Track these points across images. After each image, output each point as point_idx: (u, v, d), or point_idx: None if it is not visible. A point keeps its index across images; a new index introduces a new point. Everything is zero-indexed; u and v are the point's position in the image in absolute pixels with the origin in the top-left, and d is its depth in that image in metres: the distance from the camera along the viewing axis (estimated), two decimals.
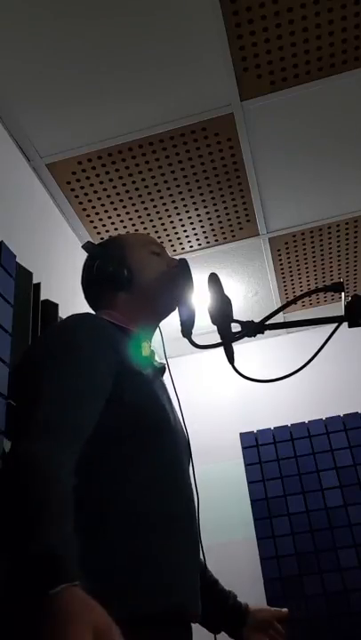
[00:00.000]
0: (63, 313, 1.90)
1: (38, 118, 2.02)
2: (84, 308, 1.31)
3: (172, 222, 2.54)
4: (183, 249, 2.71)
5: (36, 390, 0.90)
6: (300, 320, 1.09)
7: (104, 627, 0.63)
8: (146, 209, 2.44)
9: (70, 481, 0.81)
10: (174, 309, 1.22)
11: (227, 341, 1.06)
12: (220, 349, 1.06)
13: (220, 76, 1.95)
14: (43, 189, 2.28)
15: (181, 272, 1.20)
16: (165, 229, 2.57)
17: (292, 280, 3.04)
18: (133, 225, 2.51)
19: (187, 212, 2.49)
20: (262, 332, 1.07)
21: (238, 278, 2.98)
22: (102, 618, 0.65)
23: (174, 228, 2.58)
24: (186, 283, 1.19)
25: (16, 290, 1.68)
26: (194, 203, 2.45)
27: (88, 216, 2.44)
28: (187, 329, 1.15)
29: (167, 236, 2.61)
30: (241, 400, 3.22)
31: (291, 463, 3.00)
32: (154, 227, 2.54)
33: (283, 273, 2.98)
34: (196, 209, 2.49)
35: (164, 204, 2.43)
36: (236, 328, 1.07)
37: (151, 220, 2.51)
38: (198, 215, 2.52)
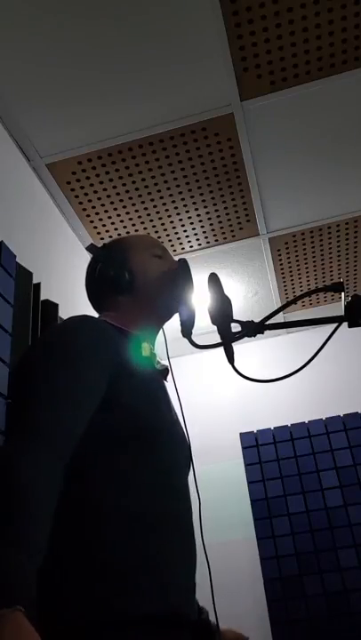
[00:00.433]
0: (63, 313, 1.90)
1: (38, 118, 2.02)
2: (84, 308, 1.31)
3: (172, 222, 2.54)
4: (183, 249, 2.71)
5: (28, 391, 0.91)
6: (300, 320, 1.09)
7: None
8: (146, 209, 2.44)
9: (51, 485, 0.81)
10: (176, 311, 1.22)
11: (227, 341, 1.06)
12: (220, 349, 1.06)
13: (220, 75, 1.95)
14: (43, 189, 2.28)
15: (181, 272, 1.20)
16: (165, 229, 2.57)
17: (292, 280, 3.04)
18: (133, 225, 2.52)
19: (187, 212, 2.49)
20: (262, 332, 1.07)
21: (238, 278, 2.98)
22: None
23: (174, 228, 2.58)
24: (186, 283, 1.19)
25: (16, 290, 1.68)
26: (194, 203, 2.45)
27: (88, 216, 2.44)
28: (187, 329, 1.15)
29: (167, 236, 2.61)
30: (241, 400, 3.22)
31: (291, 463, 3.00)
32: (154, 227, 2.54)
33: (283, 273, 2.98)
34: (196, 209, 2.49)
35: (164, 204, 2.43)
36: (236, 328, 1.07)
37: (151, 220, 2.51)
38: (198, 215, 2.52)
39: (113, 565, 0.86)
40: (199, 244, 2.70)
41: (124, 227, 2.52)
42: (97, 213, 2.43)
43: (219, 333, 1.08)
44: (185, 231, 2.61)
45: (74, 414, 0.90)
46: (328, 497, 2.88)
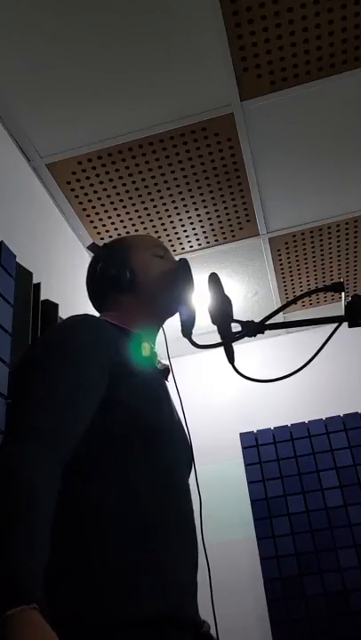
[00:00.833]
0: (63, 313, 1.90)
1: (38, 118, 2.02)
2: (84, 308, 1.31)
3: (172, 222, 2.54)
4: (183, 249, 2.71)
5: (28, 391, 0.90)
6: (300, 320, 1.09)
7: None
8: (146, 209, 2.44)
9: (51, 485, 0.81)
10: (176, 310, 1.22)
11: (227, 341, 1.06)
12: (221, 349, 1.06)
13: (220, 75, 1.95)
14: (43, 189, 2.28)
15: (182, 272, 1.20)
16: (165, 229, 2.57)
17: (292, 280, 3.04)
18: (133, 225, 2.52)
19: (187, 212, 2.49)
20: (262, 332, 1.07)
21: (238, 278, 2.99)
22: None
23: (174, 228, 2.58)
24: (186, 282, 1.19)
25: (16, 290, 1.68)
26: (194, 203, 2.45)
27: (88, 216, 2.44)
28: (187, 329, 1.15)
29: (167, 236, 2.61)
30: (241, 400, 3.22)
31: (291, 463, 3.00)
32: (154, 227, 2.54)
33: (283, 273, 2.98)
34: (196, 209, 2.49)
35: (164, 204, 2.43)
36: (236, 328, 1.07)
37: (151, 220, 2.51)
38: (198, 215, 2.52)
39: (113, 566, 0.86)
40: (199, 244, 2.70)
41: (124, 227, 2.52)
42: (97, 213, 2.43)
43: (219, 333, 1.08)
44: (185, 231, 2.61)
45: (74, 414, 0.90)
46: (328, 497, 2.88)
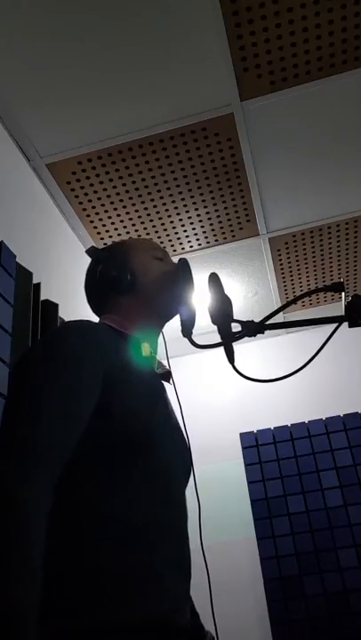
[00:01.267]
0: (63, 313, 1.90)
1: (38, 118, 2.02)
2: (84, 308, 1.31)
3: (172, 222, 2.54)
4: (183, 249, 2.71)
5: (18, 403, 0.87)
6: (300, 320, 1.09)
7: None
8: (146, 209, 2.44)
9: (43, 506, 0.79)
10: (176, 312, 1.21)
11: (227, 341, 1.06)
12: (221, 349, 1.06)
13: (220, 75, 1.95)
14: (43, 189, 2.28)
15: (182, 272, 1.20)
16: (165, 229, 2.58)
17: (292, 280, 3.04)
18: (133, 225, 2.52)
19: (187, 212, 2.49)
20: (262, 332, 1.07)
21: (238, 278, 2.99)
22: None
23: (174, 228, 2.58)
24: (186, 282, 1.19)
25: (16, 290, 1.68)
26: (194, 203, 2.45)
27: (88, 216, 2.44)
28: (187, 329, 1.14)
29: (167, 236, 2.62)
30: (241, 400, 3.23)
31: (291, 463, 3.01)
32: (154, 227, 2.54)
33: (283, 273, 2.98)
34: (196, 209, 2.49)
35: (164, 204, 2.43)
36: (236, 328, 1.07)
37: (151, 220, 2.51)
38: (198, 215, 2.52)
39: (108, 570, 0.86)
40: (199, 244, 2.70)
41: (124, 227, 2.52)
42: (97, 213, 2.43)
43: (219, 333, 1.07)
44: (185, 231, 2.61)
45: (69, 429, 0.88)
46: (328, 497, 2.88)
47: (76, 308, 1.41)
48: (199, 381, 3.36)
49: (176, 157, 2.23)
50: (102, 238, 2.56)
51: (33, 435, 0.83)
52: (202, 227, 2.59)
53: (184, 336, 1.14)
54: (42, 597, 0.75)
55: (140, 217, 2.48)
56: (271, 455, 3.05)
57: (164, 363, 1.23)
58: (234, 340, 1.06)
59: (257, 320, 1.07)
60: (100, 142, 2.14)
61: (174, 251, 2.70)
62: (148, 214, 2.47)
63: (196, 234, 2.63)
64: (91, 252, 1.28)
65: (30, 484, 0.79)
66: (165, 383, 1.20)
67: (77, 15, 1.73)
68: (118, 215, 2.45)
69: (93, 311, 1.28)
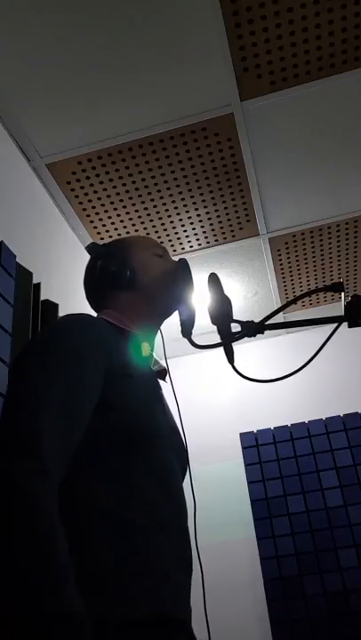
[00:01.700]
0: (63, 313, 1.90)
1: (38, 118, 2.02)
2: (84, 308, 1.31)
3: (172, 222, 2.54)
4: (183, 249, 2.71)
5: (21, 399, 0.86)
6: (300, 320, 1.09)
7: None
8: (146, 209, 2.44)
9: (56, 503, 0.79)
10: (175, 309, 1.21)
11: (227, 341, 1.06)
12: (220, 349, 1.06)
13: (220, 75, 1.95)
14: (43, 189, 2.28)
15: (181, 272, 1.20)
16: (165, 229, 2.58)
17: (292, 280, 3.04)
18: (133, 225, 2.52)
19: (187, 212, 2.49)
20: (262, 332, 1.07)
21: (238, 278, 2.99)
22: None
23: (174, 228, 2.58)
24: (186, 282, 1.19)
25: (16, 290, 1.68)
26: (194, 203, 2.45)
27: (88, 216, 2.44)
28: (187, 329, 1.14)
29: (167, 236, 2.62)
30: (241, 400, 3.23)
31: (291, 463, 3.01)
32: (154, 227, 2.54)
33: (283, 273, 2.98)
34: (196, 209, 2.49)
35: (164, 204, 2.43)
36: (236, 328, 1.07)
37: (151, 220, 2.51)
38: (198, 215, 2.52)
39: (106, 569, 0.86)
40: (199, 244, 2.70)
41: (124, 227, 2.52)
42: (97, 213, 2.43)
43: (219, 333, 1.07)
44: (185, 231, 2.61)
45: (74, 425, 0.88)
46: (328, 497, 2.88)
47: (76, 307, 1.41)
48: (199, 381, 3.36)
49: (176, 157, 2.23)
50: (102, 238, 2.56)
51: (41, 431, 0.81)
52: (202, 227, 2.59)
53: (184, 336, 1.14)
54: None
55: (140, 217, 2.48)
56: (271, 455, 3.05)
57: (162, 360, 1.23)
58: (234, 340, 1.06)
59: (257, 320, 1.07)
60: (100, 142, 2.14)
61: (174, 251, 2.70)
62: (148, 214, 2.47)
63: (196, 234, 2.63)
64: (90, 248, 1.28)
65: (46, 483, 0.78)
66: (162, 382, 1.20)
67: (77, 15, 1.73)
68: (118, 215, 2.45)
69: (92, 307, 1.28)
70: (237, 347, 1.07)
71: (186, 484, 1.13)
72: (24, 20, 1.73)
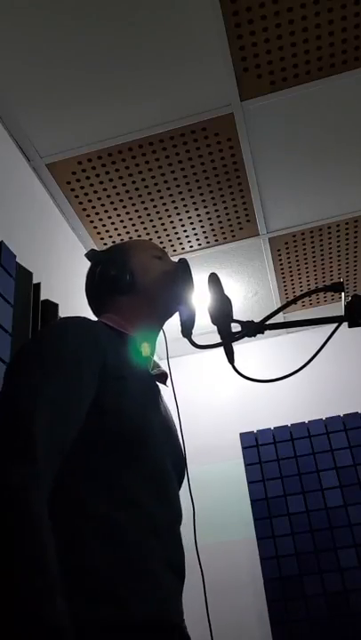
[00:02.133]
0: (63, 313, 1.90)
1: (38, 118, 2.02)
2: (84, 308, 1.31)
3: (172, 222, 2.54)
4: (183, 249, 2.71)
5: (15, 400, 0.85)
6: (300, 320, 1.09)
7: None
8: (146, 209, 2.44)
9: (46, 509, 0.78)
10: (176, 311, 1.21)
11: (227, 341, 1.06)
12: (220, 349, 1.06)
13: (220, 75, 1.95)
14: (43, 189, 2.28)
15: (182, 272, 1.20)
16: (165, 229, 2.58)
17: (292, 280, 3.04)
18: (133, 225, 2.52)
19: (187, 212, 2.49)
20: (262, 332, 1.07)
21: (238, 278, 2.99)
22: None
23: (174, 228, 2.58)
24: (186, 283, 1.19)
25: (16, 290, 1.68)
26: (194, 203, 2.45)
27: (88, 216, 2.44)
28: (187, 329, 1.14)
29: (167, 236, 2.62)
30: (241, 400, 3.22)
31: (291, 463, 3.00)
32: (154, 227, 2.54)
33: (283, 273, 2.98)
34: (196, 209, 2.49)
35: (164, 204, 2.43)
36: (236, 328, 1.07)
37: (151, 220, 2.51)
38: (198, 215, 2.52)
39: (98, 573, 0.85)
40: (199, 244, 2.70)
41: (124, 227, 2.52)
42: (97, 213, 2.43)
43: (219, 333, 1.07)
44: (185, 231, 2.61)
45: (68, 427, 0.88)
46: (328, 497, 2.88)
47: (76, 308, 1.41)
48: (199, 381, 3.36)
49: (176, 157, 2.23)
50: (102, 238, 2.56)
51: (35, 431, 0.81)
52: (202, 227, 2.59)
53: (184, 336, 1.13)
54: None
55: (140, 217, 2.48)
56: (271, 455, 3.05)
57: (164, 363, 1.23)
58: (234, 340, 1.06)
59: (257, 320, 1.07)
60: (100, 142, 2.14)
61: (174, 251, 2.71)
62: (148, 214, 2.47)
63: (196, 234, 2.63)
64: (90, 255, 1.28)
65: (39, 489, 0.77)
66: (163, 386, 1.20)
67: (77, 15, 1.73)
68: (118, 215, 2.45)
69: (94, 312, 1.28)
70: (237, 347, 1.07)
71: (184, 484, 1.13)
72: (24, 20, 1.73)
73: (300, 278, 3.03)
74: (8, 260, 1.68)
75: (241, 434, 3.14)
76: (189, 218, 2.53)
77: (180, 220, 2.53)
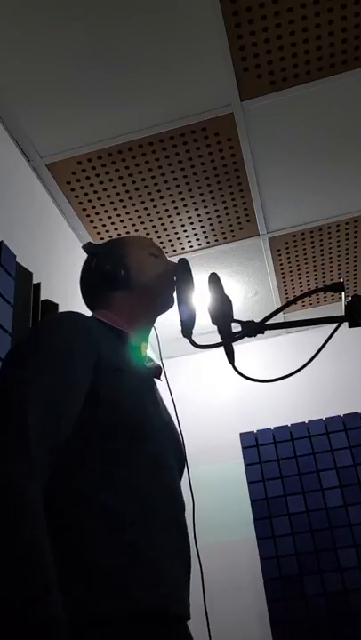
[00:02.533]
0: None
1: (38, 118, 2.02)
2: (84, 308, 1.31)
3: (172, 222, 2.54)
4: (183, 249, 2.71)
5: (9, 387, 0.85)
6: (300, 320, 1.09)
7: None
8: (146, 209, 2.44)
9: (42, 502, 0.78)
10: (168, 309, 1.22)
11: (227, 341, 1.06)
12: (220, 349, 1.06)
13: (220, 75, 1.95)
14: (43, 189, 2.28)
15: (182, 271, 1.20)
16: (165, 229, 2.58)
17: (292, 280, 3.04)
18: (133, 225, 2.52)
19: (187, 212, 2.49)
20: (262, 332, 1.07)
21: (238, 278, 2.99)
22: None
23: (174, 228, 2.58)
24: (186, 282, 1.19)
25: (16, 290, 1.68)
26: (194, 203, 2.45)
27: (88, 216, 2.44)
28: (187, 329, 1.15)
29: (167, 236, 2.62)
30: (241, 400, 3.23)
31: (291, 463, 3.01)
32: (154, 227, 2.54)
33: (283, 273, 2.98)
34: (196, 209, 2.49)
35: (164, 204, 2.43)
36: (236, 328, 1.07)
37: (151, 220, 2.51)
38: (198, 215, 2.52)
39: (101, 563, 0.85)
40: (199, 244, 2.70)
41: (124, 227, 2.52)
42: (97, 213, 2.43)
43: (219, 333, 1.07)
44: (185, 231, 2.61)
45: (63, 420, 0.88)
46: (328, 497, 2.88)
47: (75, 308, 1.41)
48: (199, 381, 3.36)
49: (176, 157, 2.23)
50: (102, 238, 2.56)
51: (30, 422, 0.81)
52: (202, 227, 2.59)
53: (184, 336, 1.14)
54: None
55: (140, 217, 2.48)
56: (271, 455, 3.05)
57: (157, 359, 1.23)
58: (234, 340, 1.06)
59: (257, 320, 1.07)
60: (100, 142, 2.14)
61: (174, 251, 2.71)
62: (148, 214, 2.47)
63: (196, 234, 2.63)
64: (87, 247, 1.28)
65: (33, 482, 0.77)
66: (158, 381, 1.20)
67: (77, 15, 1.73)
68: (118, 215, 2.45)
69: (88, 307, 1.28)
70: (237, 347, 1.07)
71: (185, 484, 1.13)
72: (24, 20, 1.73)
73: (300, 278, 3.03)
74: (8, 260, 1.68)
75: (241, 434, 3.14)
76: (189, 218, 2.53)
77: (180, 220, 2.53)
